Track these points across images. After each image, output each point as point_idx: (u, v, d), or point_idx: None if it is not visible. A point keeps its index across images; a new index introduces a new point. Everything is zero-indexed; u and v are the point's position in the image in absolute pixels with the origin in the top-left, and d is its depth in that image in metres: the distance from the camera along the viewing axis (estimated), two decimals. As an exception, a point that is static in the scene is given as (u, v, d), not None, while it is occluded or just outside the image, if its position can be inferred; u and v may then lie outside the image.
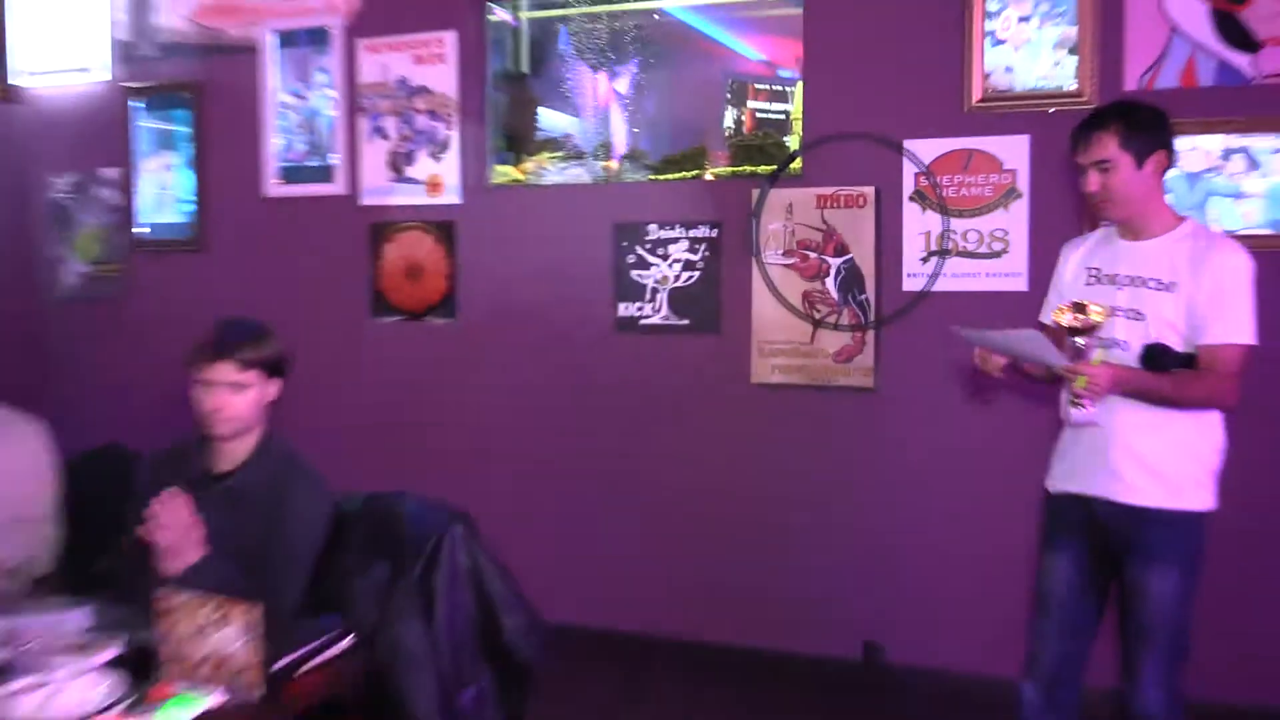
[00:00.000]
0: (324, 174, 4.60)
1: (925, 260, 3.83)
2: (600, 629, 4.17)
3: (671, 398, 4.16)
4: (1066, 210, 3.59)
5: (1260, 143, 3.47)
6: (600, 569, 4.25)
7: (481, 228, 4.40)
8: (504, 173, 4.51)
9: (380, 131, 4.49)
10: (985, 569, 3.73)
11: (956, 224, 3.79)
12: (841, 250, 3.91)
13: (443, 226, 4.43)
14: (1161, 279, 2.50)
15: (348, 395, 4.59)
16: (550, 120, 4.64)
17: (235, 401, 2.44)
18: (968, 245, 3.77)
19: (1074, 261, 2.72)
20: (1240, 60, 3.49)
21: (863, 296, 3.90)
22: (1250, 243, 3.23)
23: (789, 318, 3.97)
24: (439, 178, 4.40)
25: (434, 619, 2.42)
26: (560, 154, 4.51)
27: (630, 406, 4.23)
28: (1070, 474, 2.68)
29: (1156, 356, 2.48)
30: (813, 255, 3.94)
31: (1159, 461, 2.52)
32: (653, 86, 4.58)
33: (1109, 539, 2.61)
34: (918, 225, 3.84)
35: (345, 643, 2.13)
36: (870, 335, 3.88)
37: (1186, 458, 2.53)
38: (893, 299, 3.87)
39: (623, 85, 4.56)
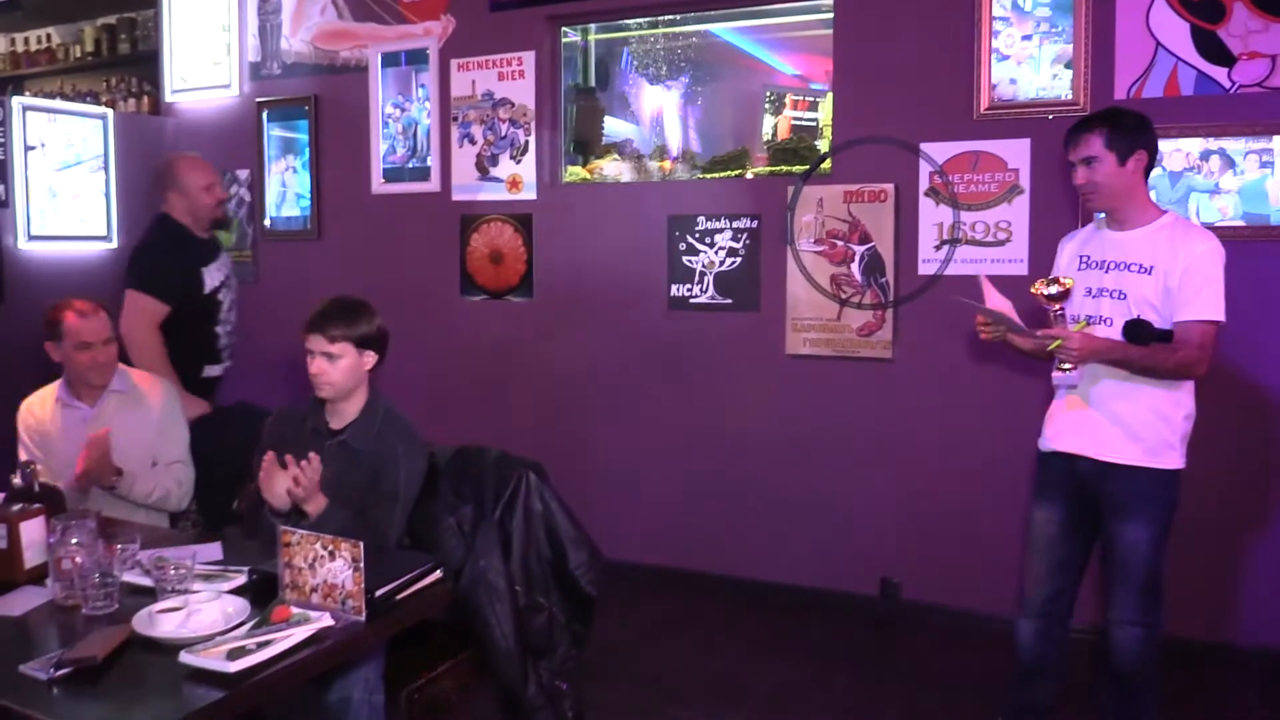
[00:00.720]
0: (421, 174, 4.74)
1: (938, 248, 3.88)
2: (652, 565, 4.29)
3: (716, 366, 4.21)
4: (1062, 205, 3.63)
5: (1234, 145, 3.54)
6: (652, 511, 4.36)
7: (554, 220, 4.49)
8: (574, 172, 4.59)
9: (469, 137, 4.60)
10: (988, 517, 3.81)
11: (966, 216, 3.83)
12: (865, 239, 3.95)
13: (521, 218, 4.53)
14: (1143, 263, 2.55)
15: (442, 361, 4.73)
16: (614, 127, 4.72)
17: (330, 368, 2.46)
18: (975, 235, 3.83)
19: (1068, 252, 2.76)
20: (1218, 72, 3.55)
21: (883, 279, 3.94)
22: (1226, 234, 3.30)
23: (819, 297, 4.02)
24: (518, 176, 4.51)
25: (510, 555, 2.50)
26: (622, 156, 4.59)
27: (681, 374, 4.27)
28: (1059, 435, 2.71)
29: (1136, 330, 2.52)
30: (840, 243, 3.98)
31: (1135, 425, 2.57)
32: (702, 97, 4.67)
33: (1091, 492, 2.65)
34: (932, 217, 3.88)
35: (435, 574, 2.15)
36: (889, 313, 3.93)
37: (1160, 422, 2.56)
38: (909, 282, 3.91)
39: (676, 96, 4.66)
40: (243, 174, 5.28)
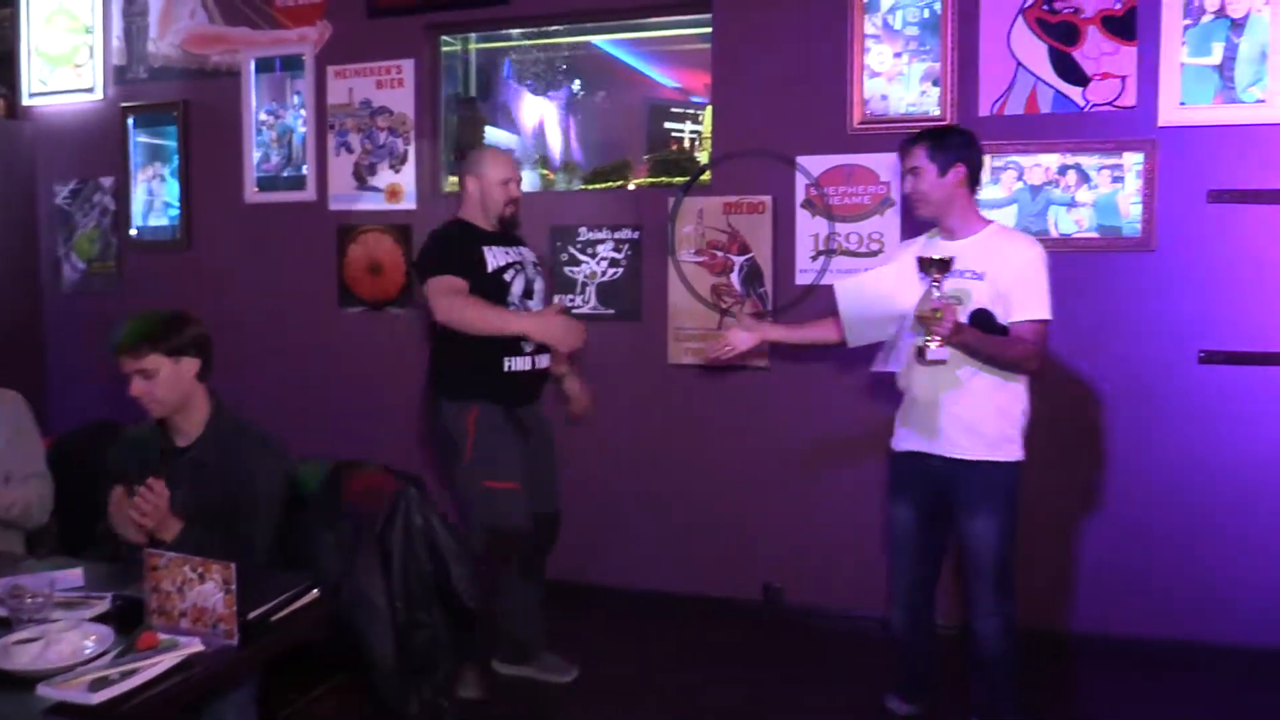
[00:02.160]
0: (297, 183, 4.65)
1: (814, 259, 3.93)
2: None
3: (598, 376, 3.99)
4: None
5: (1089, 161, 3.68)
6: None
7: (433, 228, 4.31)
8: (454, 183, 4.47)
9: (346, 146, 4.55)
10: (864, 520, 3.87)
11: (840, 228, 3.90)
12: (744, 250, 3.98)
13: (400, 229, 4.47)
14: (974, 269, 2.67)
15: (321, 374, 4.63)
16: (495, 137, 4.68)
17: (149, 386, 2.39)
18: (850, 246, 3.89)
19: (908, 254, 2.85)
20: (1073, 92, 3.69)
21: (762, 289, 3.98)
22: (1081, 245, 3.69)
23: (699, 307, 4.05)
24: (398, 186, 4.45)
25: (391, 571, 2.44)
26: None
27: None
28: (909, 436, 2.84)
29: (982, 320, 2.65)
30: (720, 254, 4.01)
31: (977, 422, 2.69)
32: (584, 109, 4.69)
33: (941, 488, 2.77)
34: (808, 229, 3.94)
35: (312, 594, 2.11)
36: (768, 321, 3.81)
37: (999, 418, 2.70)
38: (787, 292, 3.95)
39: (558, 107, 4.66)
40: (106, 182, 5.11)
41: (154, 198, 5.00)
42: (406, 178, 4.48)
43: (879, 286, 2.78)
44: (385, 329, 4.58)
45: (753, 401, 4.09)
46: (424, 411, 3.14)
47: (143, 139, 4.99)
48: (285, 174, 4.71)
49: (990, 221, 2.81)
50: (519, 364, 3.11)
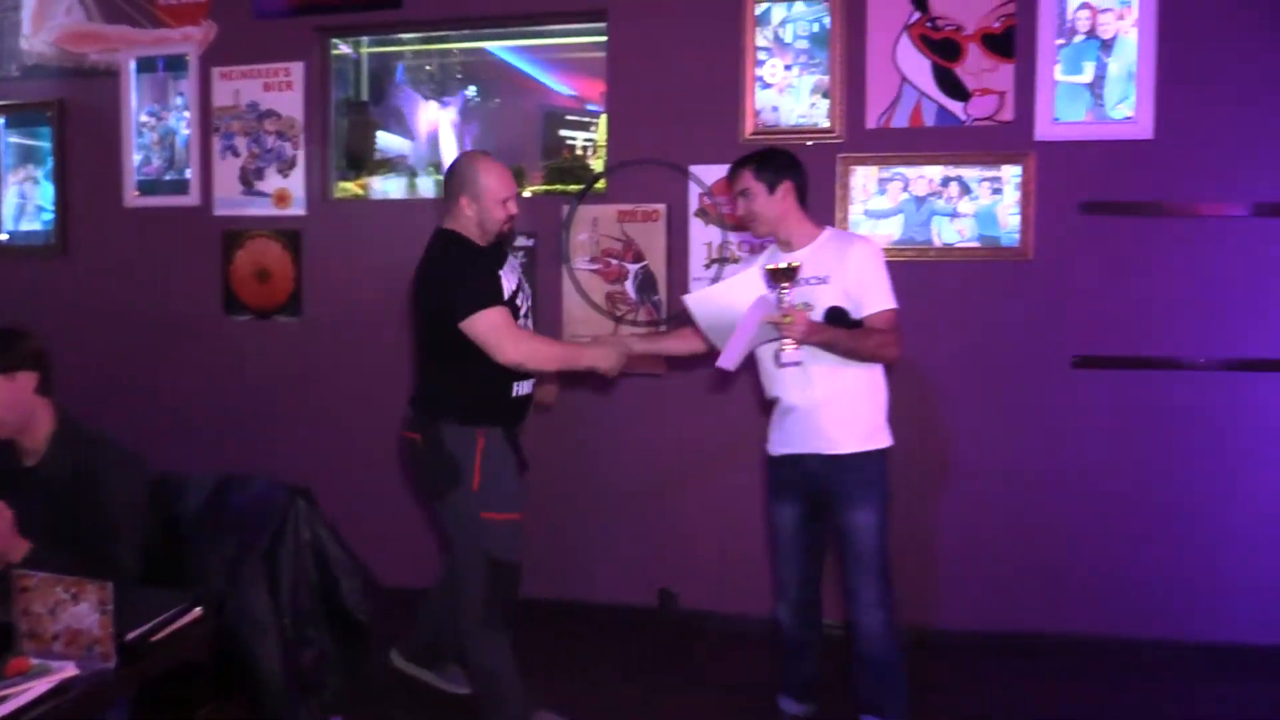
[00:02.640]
0: (180, 187, 4.54)
1: (708, 266, 3.94)
2: (428, 588, 4.05)
3: None
4: (830, 225, 3.56)
5: (970, 173, 3.76)
6: (428, 535, 4.17)
7: (325, 236, 4.35)
8: (345, 188, 4.49)
9: (232, 149, 4.44)
10: (755, 523, 3.86)
11: (733, 236, 3.91)
12: (639, 258, 3.99)
13: (289, 235, 4.39)
14: (818, 275, 2.74)
15: (206, 384, 4.50)
16: (388, 142, 4.63)
17: None
18: (742, 254, 3.88)
19: (757, 265, 2.89)
20: (955, 106, 3.78)
21: (656, 297, 3.99)
22: (964, 254, 3.79)
23: (595, 315, 4.03)
24: (286, 191, 4.37)
25: (279, 587, 2.41)
26: (396, 172, 4.50)
27: None
28: (785, 440, 2.88)
29: (836, 316, 2.72)
30: (614, 262, 4.01)
31: (850, 417, 2.77)
32: (478, 115, 4.63)
33: (818, 487, 2.82)
34: (701, 237, 3.95)
35: (194, 613, 2.08)
36: (663, 330, 3.89)
37: (870, 409, 2.80)
38: (681, 299, 3.55)
39: (452, 113, 4.60)
40: (-26, 184, 4.95)
41: (26, 201, 4.85)
42: (295, 183, 4.41)
43: (728, 297, 2.76)
44: (275, 338, 4.48)
45: (647, 408, 4.08)
46: (409, 433, 2.96)
47: (14, 140, 4.83)
48: (168, 177, 4.59)
49: (824, 228, 2.89)
50: (524, 388, 3.01)
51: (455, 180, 2.98)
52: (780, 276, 2.61)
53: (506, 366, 2.83)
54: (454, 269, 2.85)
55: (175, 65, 4.53)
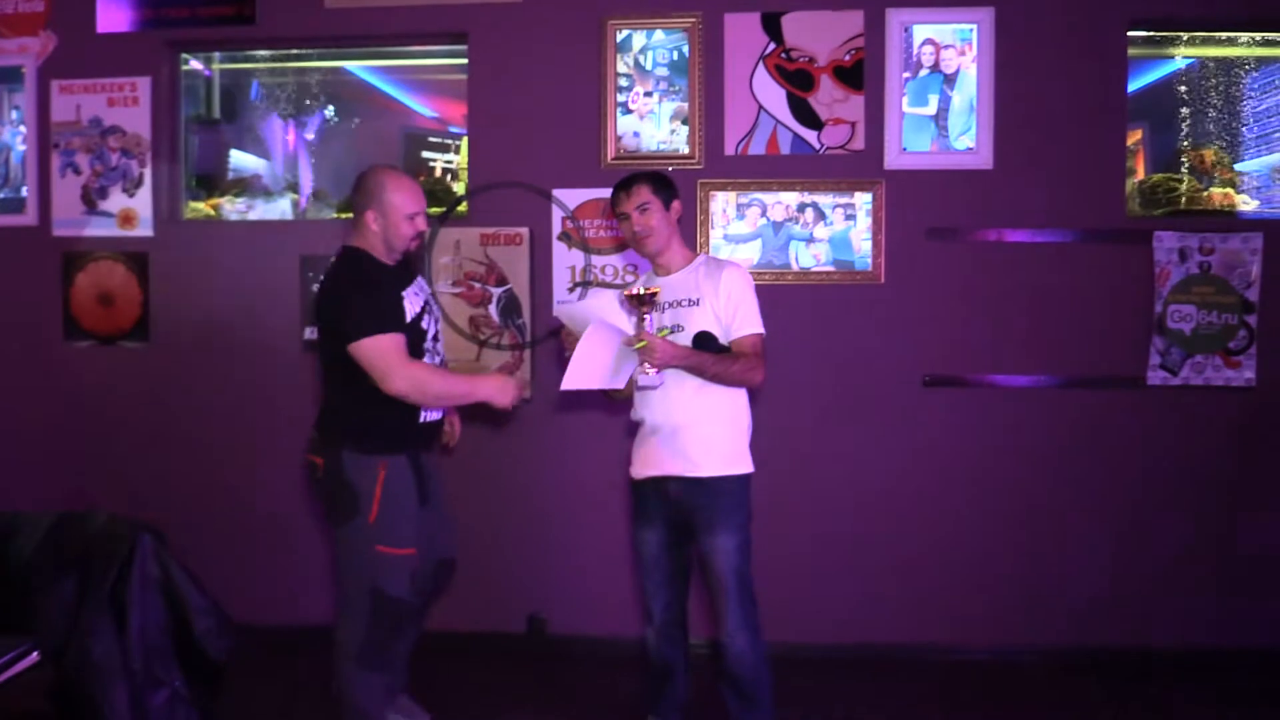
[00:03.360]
0: (15, 205, 4.34)
1: (572, 290, 3.93)
2: (289, 624, 4.03)
3: None
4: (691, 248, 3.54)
5: (825, 199, 3.85)
6: (288, 568, 4.12)
7: (174, 259, 4.21)
8: (196, 208, 4.36)
9: (73, 167, 4.26)
10: (621, 546, 3.80)
11: (596, 260, 3.93)
12: (502, 281, 3.96)
13: (135, 257, 4.23)
14: (691, 297, 2.80)
15: (45, 413, 4.30)
16: (242, 161, 4.52)
17: None
18: (605, 277, 3.92)
19: (611, 295, 2.92)
20: (810, 135, 3.87)
21: (520, 321, 3.96)
22: (820, 278, 3.88)
23: (458, 339, 3.96)
24: (132, 211, 4.22)
25: (126, 628, 2.32)
26: (250, 192, 4.39)
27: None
28: (647, 461, 2.87)
29: (704, 341, 2.74)
30: (478, 285, 3.97)
31: (712, 440, 2.78)
32: (336, 135, 4.53)
33: (680, 510, 2.82)
34: (565, 260, 3.95)
35: (31, 658, 2.01)
36: (528, 354, 3.94)
37: (732, 433, 2.80)
38: (544, 322, 3.94)
39: (310, 133, 4.50)
40: None
41: None
42: (142, 202, 4.25)
43: (592, 314, 2.77)
44: (120, 365, 4.30)
45: (514, 432, 4.04)
46: (312, 455, 2.88)
47: None
48: (2, 195, 4.39)
49: (699, 254, 2.96)
50: (432, 415, 2.94)
51: (361, 194, 2.90)
52: (639, 302, 2.64)
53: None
54: (352, 288, 2.77)
55: (9, 77, 4.34)
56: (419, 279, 3.01)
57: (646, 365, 2.64)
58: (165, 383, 4.26)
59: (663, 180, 2.90)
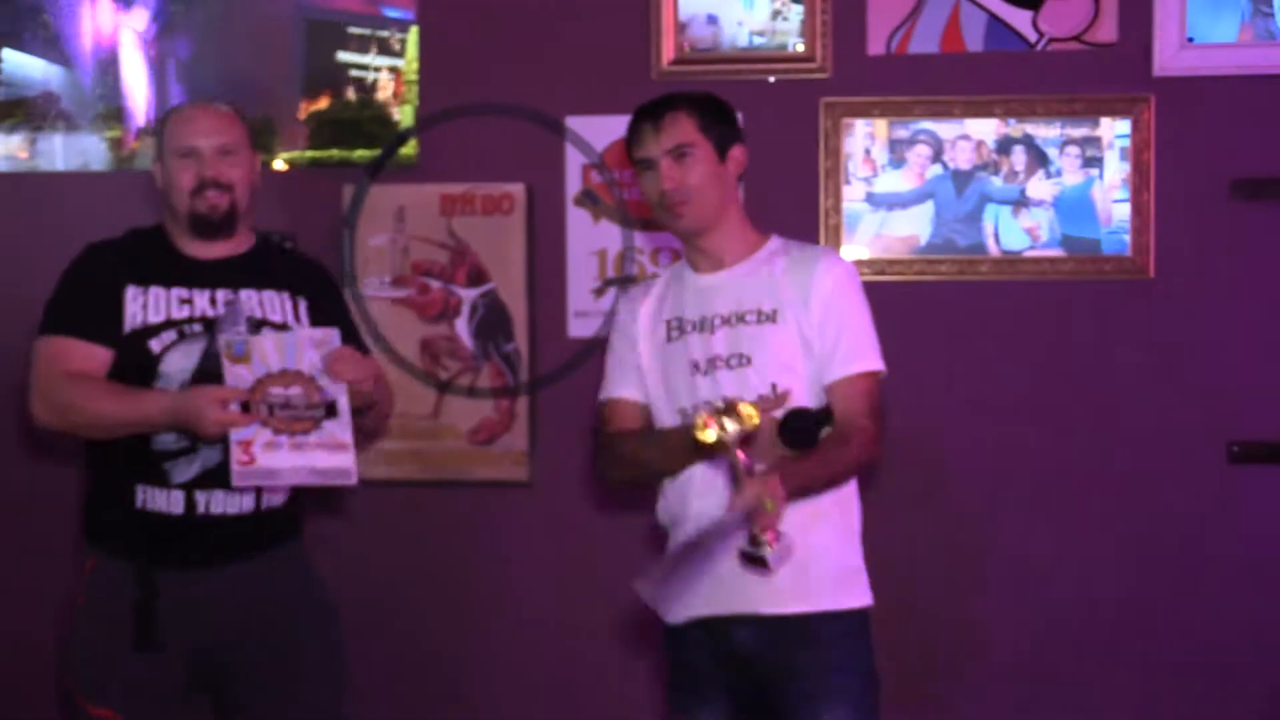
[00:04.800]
0: None
1: (600, 291, 3.83)
2: None
3: None
4: (800, 218, 3.60)
5: (1046, 130, 3.63)
6: None
7: None
8: None
9: None
10: None
11: (643, 239, 3.80)
12: (478, 278, 3.87)
13: None
14: (763, 308, 2.64)
15: None
16: (20, 69, 4.30)
17: None
18: (660, 270, 3.67)
19: (647, 316, 2.81)
20: (1019, 17, 3.64)
21: (510, 346, 3.86)
22: (1036, 269, 3.73)
23: (401, 379, 3.82)
24: None
25: None
26: (38, 123, 4.24)
27: None
28: (696, 590, 2.63)
29: (799, 427, 2.54)
30: (435, 285, 3.89)
31: (808, 552, 2.56)
32: (188, 25, 4.29)
33: (757, 673, 2.64)
34: (588, 240, 3.83)
35: None
36: (523, 403, 3.83)
37: (839, 539, 2.66)
38: (554, 349, 3.83)
39: (140, 20, 4.29)
40: None
41: None
42: None
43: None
44: None
45: (499, 540, 3.94)
46: None
47: None
48: None
49: (771, 237, 2.84)
50: (168, 500, 2.86)
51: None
52: (734, 441, 2.41)
53: (120, 452, 2.84)
54: (62, 275, 3.00)
55: None
56: (232, 288, 2.98)
57: (761, 535, 2.41)
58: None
59: (717, 109, 2.74)
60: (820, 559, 2.62)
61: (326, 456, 2.76)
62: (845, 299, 2.68)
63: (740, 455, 2.39)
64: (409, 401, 3.82)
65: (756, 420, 2.41)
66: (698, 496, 2.70)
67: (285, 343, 2.77)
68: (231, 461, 2.66)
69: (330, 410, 2.76)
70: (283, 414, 2.73)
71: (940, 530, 3.64)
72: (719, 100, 2.77)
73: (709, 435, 2.40)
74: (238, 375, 2.71)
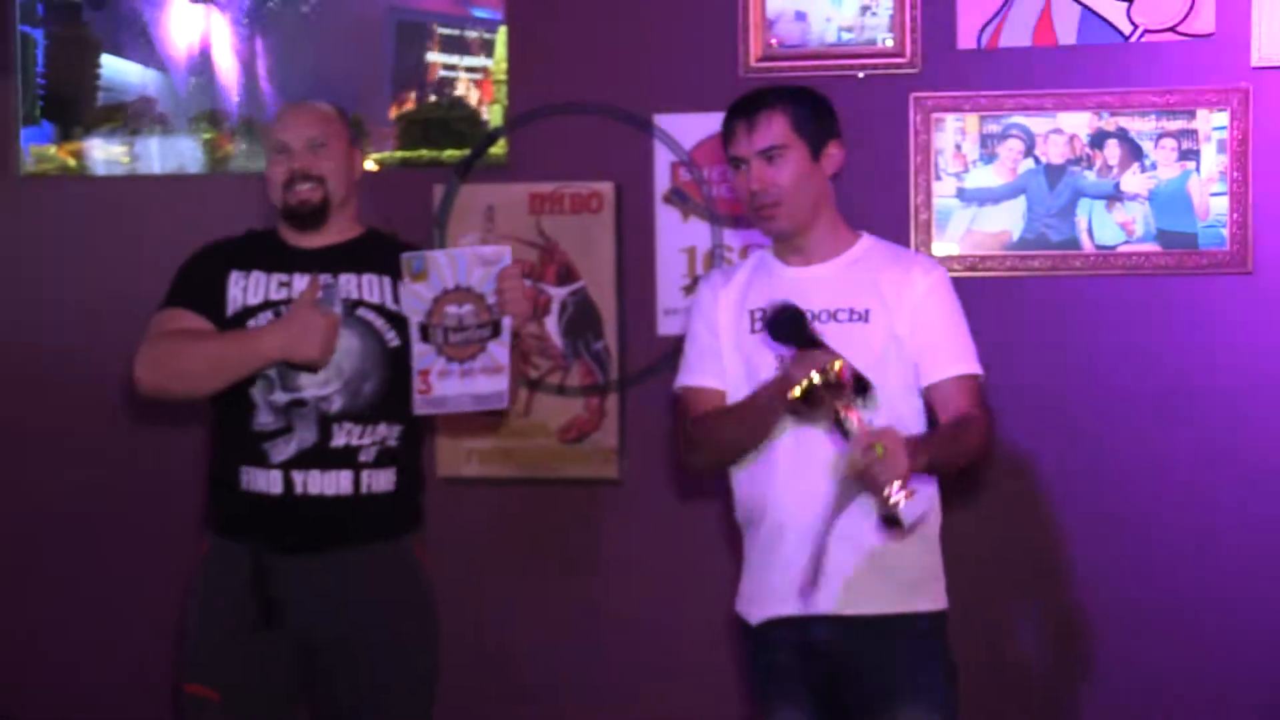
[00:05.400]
0: None
1: (689, 289, 3.78)
2: None
3: None
4: (890, 216, 3.59)
5: (1141, 124, 3.59)
6: None
7: (5, 242, 4.17)
8: (44, 155, 4.24)
9: None
10: None
11: (732, 236, 3.80)
12: (568, 276, 3.89)
13: None
14: (854, 307, 2.64)
15: None
16: (119, 74, 4.34)
17: None
18: (750, 266, 3.58)
19: (729, 304, 2.78)
20: (1113, 9, 3.61)
21: (599, 344, 3.88)
22: (1131, 264, 3.70)
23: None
24: None
25: None
26: (135, 126, 4.27)
27: None
28: (770, 591, 2.70)
29: (786, 323, 2.52)
30: (526, 283, 3.69)
31: (886, 553, 2.62)
32: (282, 25, 4.34)
33: (836, 672, 2.66)
34: (678, 238, 3.84)
35: None
36: (612, 401, 3.85)
37: (917, 542, 2.66)
38: (643, 347, 3.84)
39: (233, 24, 4.35)
40: None
41: None
42: None
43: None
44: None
45: (589, 537, 3.93)
46: None
47: None
48: None
49: (861, 234, 2.85)
50: (268, 481, 2.93)
51: None
52: (830, 390, 2.42)
53: (228, 426, 2.96)
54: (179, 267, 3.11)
55: None
56: (339, 272, 3.03)
57: (891, 487, 2.37)
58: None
59: (813, 106, 2.73)
60: (899, 560, 2.64)
61: (485, 381, 2.83)
62: (942, 303, 2.70)
63: (844, 409, 2.40)
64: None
65: (838, 365, 2.42)
66: (777, 492, 2.70)
67: (458, 258, 2.88)
68: (412, 391, 2.80)
69: (495, 330, 2.81)
70: (455, 338, 2.82)
71: (1027, 534, 3.66)
72: (816, 96, 2.76)
73: (800, 388, 2.42)
74: (416, 294, 2.83)
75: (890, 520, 2.42)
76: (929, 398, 2.66)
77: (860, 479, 2.41)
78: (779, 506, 2.70)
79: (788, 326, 2.52)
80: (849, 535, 2.65)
